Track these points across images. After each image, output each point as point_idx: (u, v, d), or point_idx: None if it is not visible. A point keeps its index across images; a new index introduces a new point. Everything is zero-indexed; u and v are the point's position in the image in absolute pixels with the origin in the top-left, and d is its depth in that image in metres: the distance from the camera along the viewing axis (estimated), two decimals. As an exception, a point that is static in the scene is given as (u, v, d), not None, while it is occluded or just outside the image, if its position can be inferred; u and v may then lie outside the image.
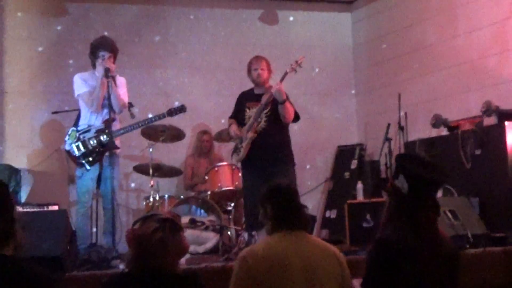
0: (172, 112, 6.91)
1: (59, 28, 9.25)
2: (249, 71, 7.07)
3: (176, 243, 3.25)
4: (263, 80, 6.99)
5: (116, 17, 9.51)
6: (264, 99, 6.83)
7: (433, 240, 3.29)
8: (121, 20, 9.52)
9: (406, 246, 3.19)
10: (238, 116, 7.08)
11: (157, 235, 3.20)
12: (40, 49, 9.12)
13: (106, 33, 8.51)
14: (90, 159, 6.55)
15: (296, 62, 6.84)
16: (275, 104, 6.79)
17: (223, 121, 7.99)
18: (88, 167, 6.53)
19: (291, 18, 10.23)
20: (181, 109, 6.98)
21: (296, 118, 6.99)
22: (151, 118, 6.86)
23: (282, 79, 6.81)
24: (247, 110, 6.97)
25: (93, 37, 7.17)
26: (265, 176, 6.44)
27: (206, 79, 9.73)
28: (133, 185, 9.07)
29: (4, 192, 2.90)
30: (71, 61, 9.06)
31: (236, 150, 7.05)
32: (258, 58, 7.10)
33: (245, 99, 7.11)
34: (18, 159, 8.70)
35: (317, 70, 9.97)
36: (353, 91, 10.30)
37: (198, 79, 9.71)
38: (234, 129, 7.04)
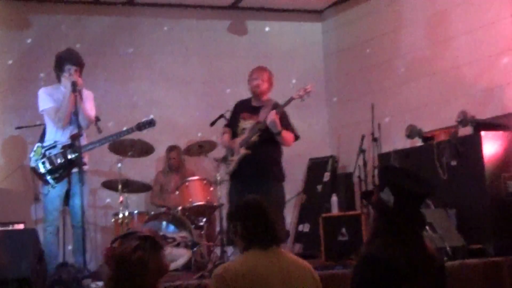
0: (141, 126, 6.87)
1: (28, 41, 9.20)
2: (248, 80, 7.11)
3: (157, 262, 3.21)
4: (261, 91, 7.05)
5: (88, 29, 9.48)
6: (261, 116, 6.85)
7: (422, 254, 3.30)
8: (93, 31, 9.49)
9: (395, 262, 3.18)
10: (231, 124, 7.11)
11: (137, 253, 3.15)
12: (9, 62, 9.03)
13: (78, 45, 8.53)
14: (57, 175, 6.50)
15: (305, 90, 6.87)
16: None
17: (199, 134, 7.96)
18: (54, 184, 6.48)
19: (267, 29, 10.28)
20: (150, 122, 6.93)
21: (296, 138, 7.07)
22: (119, 133, 6.83)
23: (285, 105, 6.86)
24: (241, 121, 7.01)
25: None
26: (254, 192, 6.44)
27: (182, 91, 9.75)
28: (101, 201, 8.99)
29: None
30: (41, 75, 8.96)
31: (225, 160, 7.06)
32: (260, 69, 7.17)
33: (241, 109, 7.15)
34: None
35: (294, 81, 9.98)
36: (324, 102, 10.32)
37: (174, 91, 9.72)
38: (226, 139, 7.11)
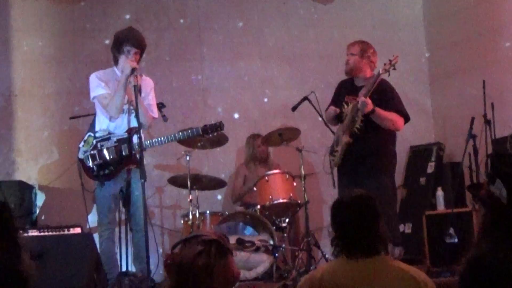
0: (207, 129, 6.89)
1: (127, 17, 9.32)
2: None
3: (224, 269, 3.22)
4: (350, 68, 7.14)
5: (192, 2, 9.60)
6: (360, 97, 6.84)
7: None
8: (197, 4, 9.61)
9: (506, 266, 3.09)
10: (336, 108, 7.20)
11: (201, 259, 3.16)
12: (106, 42, 9.17)
13: (182, 21, 8.82)
14: (107, 172, 6.57)
15: (390, 62, 6.82)
16: (375, 101, 6.83)
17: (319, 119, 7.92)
18: (103, 182, 6.56)
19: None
20: (219, 126, 6.95)
21: (405, 119, 7.07)
22: (182, 134, 6.87)
23: (374, 84, 6.80)
24: (345, 106, 7.04)
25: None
26: (357, 187, 6.53)
27: (297, 69, 9.77)
28: (168, 201, 9.07)
29: (5, 215, 2.87)
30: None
31: (332, 152, 7.09)
32: (351, 43, 7.28)
33: (344, 91, 7.24)
34: (30, 174, 8.77)
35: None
36: (427, 79, 10.16)
37: (288, 70, 9.76)
38: (331, 109, 7.17)
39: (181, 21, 9.29)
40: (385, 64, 6.85)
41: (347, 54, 7.21)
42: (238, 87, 9.57)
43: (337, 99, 7.29)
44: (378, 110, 6.85)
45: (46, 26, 9.20)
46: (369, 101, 6.76)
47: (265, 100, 9.31)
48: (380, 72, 6.86)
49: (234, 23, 9.70)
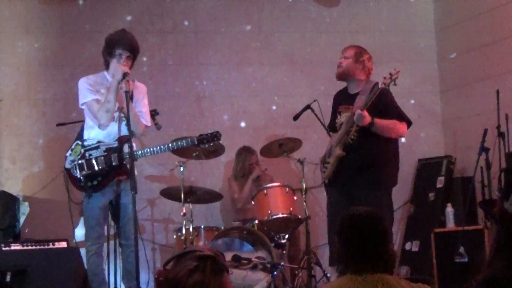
0: (203, 139, 6.85)
1: (128, 18, 9.40)
2: None
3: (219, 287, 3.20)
4: (342, 71, 7.12)
5: (198, 3, 9.64)
6: (356, 106, 6.83)
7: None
8: (203, 6, 9.65)
9: (522, 287, 3.09)
10: (331, 124, 7.22)
11: (195, 277, 3.15)
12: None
13: (186, 23, 8.91)
14: (95, 183, 6.55)
15: (391, 75, 6.79)
16: (374, 111, 6.80)
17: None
18: (91, 193, 6.54)
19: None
20: (215, 137, 6.91)
21: (408, 124, 7.05)
22: (176, 143, 6.84)
23: (373, 97, 6.78)
24: (338, 116, 7.03)
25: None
26: (350, 201, 6.65)
27: (309, 76, 9.80)
28: (160, 214, 9.07)
29: None
30: (144, 59, 9.24)
31: (323, 163, 7.07)
32: (346, 47, 7.27)
33: (338, 101, 7.23)
34: (14, 184, 8.77)
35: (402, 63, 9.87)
36: (437, 88, 10.17)
37: (299, 76, 9.80)
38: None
39: (186, 23, 9.33)
40: (385, 78, 6.80)
41: (340, 57, 7.18)
42: (245, 94, 9.62)
43: (333, 114, 7.28)
44: (378, 121, 6.79)
45: (42, 27, 9.23)
46: (365, 113, 6.69)
47: (274, 107, 9.32)
48: (380, 86, 6.84)
49: (241, 27, 9.74)
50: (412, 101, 10.01)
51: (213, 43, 9.50)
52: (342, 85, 7.54)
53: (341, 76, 7.16)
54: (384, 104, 6.88)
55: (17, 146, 8.99)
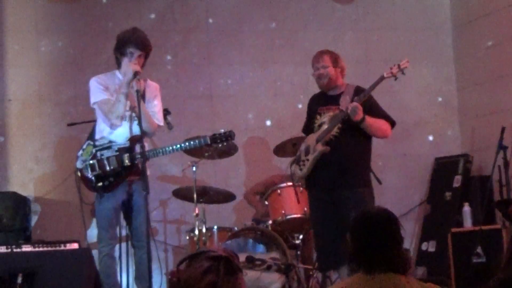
0: (216, 139, 6.84)
1: (152, 16, 9.42)
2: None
3: (232, 288, 3.23)
4: (328, 81, 7.03)
5: (221, 1, 9.65)
6: (343, 104, 6.80)
7: None
8: (227, 4, 9.67)
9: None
10: (308, 126, 7.10)
11: (208, 277, 3.17)
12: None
13: (210, 20, 9.09)
14: (106, 183, 6.56)
15: (399, 66, 6.77)
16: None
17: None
18: (102, 194, 6.56)
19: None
20: (229, 136, 6.90)
21: (392, 125, 7.01)
22: (188, 143, 6.84)
23: (374, 86, 6.76)
24: (318, 117, 6.97)
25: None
26: (332, 200, 6.70)
27: None
28: (172, 215, 9.09)
29: None
30: (168, 57, 9.33)
31: (298, 161, 7.01)
32: (318, 54, 7.18)
33: (316, 103, 7.16)
34: (24, 184, 8.80)
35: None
36: (454, 86, 10.15)
37: None
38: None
39: (210, 21, 9.34)
40: (391, 68, 6.80)
41: (317, 68, 7.04)
42: (270, 93, 9.64)
43: (309, 119, 7.21)
44: (368, 118, 6.75)
45: (65, 25, 9.27)
46: (361, 107, 6.71)
47: (299, 106, 9.28)
48: (385, 75, 6.80)
49: (266, 25, 9.74)
50: (429, 99, 10.01)
51: (237, 42, 9.52)
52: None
53: (327, 86, 7.05)
54: (370, 105, 6.85)
55: (41, 146, 9.01)
